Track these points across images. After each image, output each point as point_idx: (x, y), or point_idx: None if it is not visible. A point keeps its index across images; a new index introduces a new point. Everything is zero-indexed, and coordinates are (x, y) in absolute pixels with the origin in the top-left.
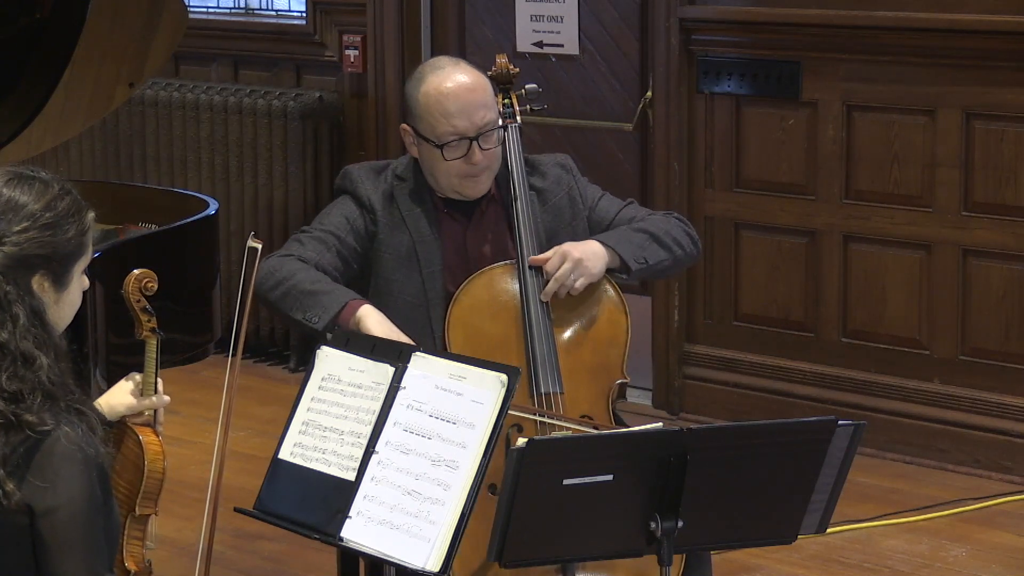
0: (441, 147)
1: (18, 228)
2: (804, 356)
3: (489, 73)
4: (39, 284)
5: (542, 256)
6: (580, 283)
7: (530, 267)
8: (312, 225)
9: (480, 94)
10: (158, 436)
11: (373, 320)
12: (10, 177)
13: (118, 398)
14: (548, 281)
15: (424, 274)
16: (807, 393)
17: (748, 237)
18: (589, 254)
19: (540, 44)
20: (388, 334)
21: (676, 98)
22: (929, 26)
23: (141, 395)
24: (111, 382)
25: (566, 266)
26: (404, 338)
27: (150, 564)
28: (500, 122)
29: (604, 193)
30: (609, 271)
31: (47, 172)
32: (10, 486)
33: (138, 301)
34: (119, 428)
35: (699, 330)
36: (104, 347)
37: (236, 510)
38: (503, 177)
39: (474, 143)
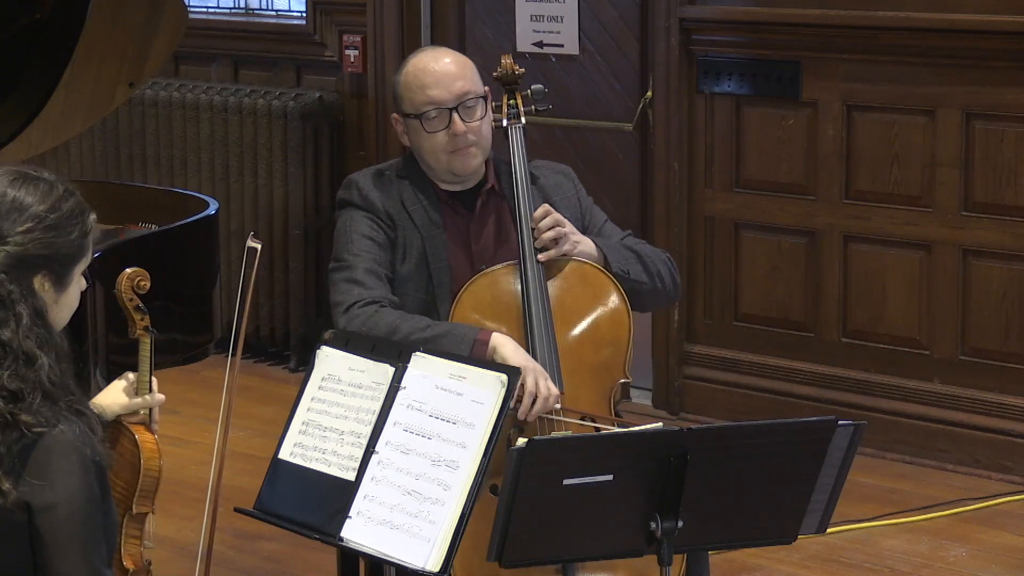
0: (420, 117)
1: (22, 228)
2: (804, 356)
3: (495, 74)
4: (40, 284)
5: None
6: (567, 248)
7: (532, 260)
8: (343, 256)
9: (458, 68)
10: (154, 435)
11: (508, 349)
12: (15, 177)
13: (112, 398)
14: (542, 250)
15: (432, 269)
16: (807, 393)
17: (748, 237)
18: (580, 234)
19: (540, 44)
20: (525, 362)
21: (676, 98)
22: (929, 26)
23: (135, 394)
24: (111, 382)
25: (548, 219)
26: (536, 365)
27: (149, 564)
28: (505, 122)
29: (607, 219)
30: None
31: (50, 173)
32: (6, 485)
33: (131, 300)
34: (114, 427)
35: (699, 330)
36: (104, 347)
37: (236, 510)
38: (505, 173)
39: (454, 113)
